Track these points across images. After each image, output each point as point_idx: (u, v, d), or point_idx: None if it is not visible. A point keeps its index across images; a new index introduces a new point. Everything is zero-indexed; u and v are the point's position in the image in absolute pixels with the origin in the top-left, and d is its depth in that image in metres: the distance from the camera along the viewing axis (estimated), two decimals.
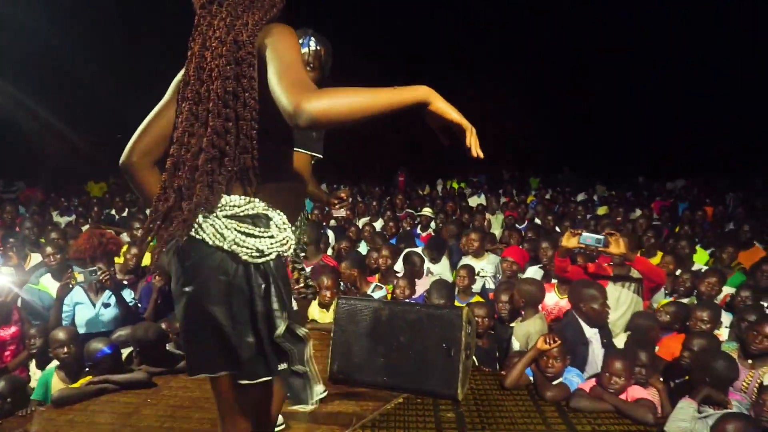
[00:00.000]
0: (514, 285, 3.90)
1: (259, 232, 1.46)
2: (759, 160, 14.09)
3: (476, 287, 4.77)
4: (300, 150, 2.28)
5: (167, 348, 3.47)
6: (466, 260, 5.03)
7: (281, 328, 1.44)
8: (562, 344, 3.06)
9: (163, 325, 3.59)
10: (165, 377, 3.29)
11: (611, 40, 15.62)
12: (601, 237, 3.60)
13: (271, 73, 1.34)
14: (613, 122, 16.41)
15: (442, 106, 1.33)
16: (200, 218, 1.44)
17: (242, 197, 1.48)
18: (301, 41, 2.31)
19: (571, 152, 16.02)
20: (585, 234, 3.65)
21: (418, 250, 5.21)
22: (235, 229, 1.44)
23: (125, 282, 4.33)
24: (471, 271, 4.52)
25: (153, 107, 1.62)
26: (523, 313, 3.68)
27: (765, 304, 4.16)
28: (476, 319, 3.56)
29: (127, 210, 8.27)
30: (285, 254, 1.54)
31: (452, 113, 1.33)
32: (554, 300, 4.00)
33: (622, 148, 16.26)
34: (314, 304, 4.22)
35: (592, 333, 3.37)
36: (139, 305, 4.26)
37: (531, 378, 3.15)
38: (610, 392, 2.84)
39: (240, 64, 1.43)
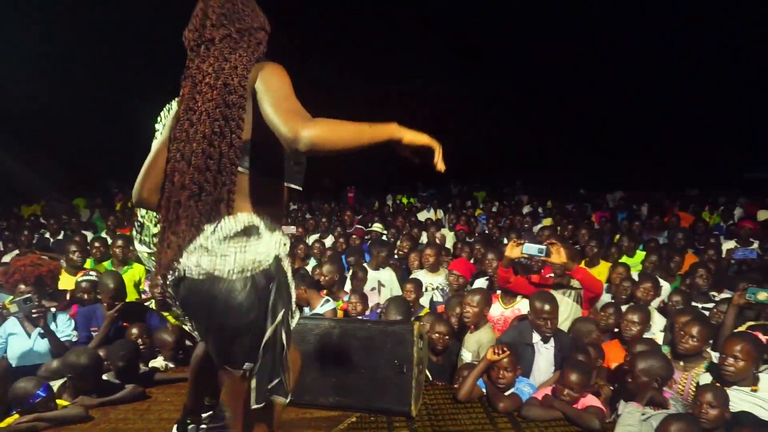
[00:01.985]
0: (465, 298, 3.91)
1: (255, 240, 1.55)
2: (694, 171, 14.99)
3: (424, 300, 4.80)
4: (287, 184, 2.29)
5: (104, 377, 3.28)
6: (420, 274, 5.06)
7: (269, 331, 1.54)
8: (512, 354, 3.10)
9: (101, 353, 3.39)
10: (103, 409, 3.08)
11: (560, 57, 16.26)
12: (543, 247, 3.70)
13: (266, 106, 1.44)
14: (558, 135, 17.04)
15: (411, 137, 1.45)
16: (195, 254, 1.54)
17: (228, 218, 1.55)
18: None
19: (522, 165, 16.49)
20: (527, 244, 3.75)
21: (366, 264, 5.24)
22: (235, 250, 1.53)
23: (53, 309, 4.06)
24: (418, 285, 4.55)
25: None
26: (472, 326, 3.71)
27: (699, 306, 4.41)
28: (436, 334, 3.57)
29: (62, 233, 7.84)
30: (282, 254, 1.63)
31: (422, 139, 1.45)
32: (499, 311, 4.06)
33: (563, 161, 16.89)
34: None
35: (538, 338, 3.44)
36: (76, 334, 4.01)
37: (484, 390, 3.17)
38: (562, 401, 2.89)
39: (230, 107, 1.51)
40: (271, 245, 1.58)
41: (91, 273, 4.39)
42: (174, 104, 2.12)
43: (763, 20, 14.13)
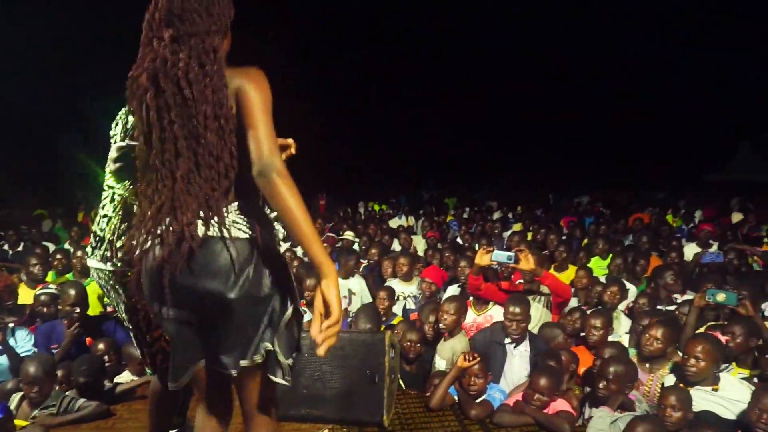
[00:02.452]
0: (438, 305, 3.92)
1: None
2: (654, 173, 15.43)
3: (397, 309, 4.79)
4: None
5: (67, 395, 3.17)
6: (393, 283, 5.05)
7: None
8: (482, 361, 3.12)
9: (60, 372, 3.28)
10: (64, 428, 2.98)
11: (526, 64, 16.56)
12: (511, 254, 3.75)
13: (249, 121, 1.51)
14: (525, 139, 17.34)
15: (331, 290, 1.47)
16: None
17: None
18: None
19: (490, 169, 16.72)
20: (496, 252, 3.80)
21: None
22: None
23: (11, 324, 3.91)
24: (391, 293, 4.54)
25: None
26: (447, 333, 3.72)
27: (663, 308, 4.52)
28: (407, 343, 3.56)
29: (22, 244, 7.57)
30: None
31: (334, 300, 1.46)
32: (472, 317, 4.08)
33: (529, 164, 17.18)
34: None
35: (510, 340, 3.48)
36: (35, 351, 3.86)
37: (456, 397, 3.18)
38: (533, 407, 2.92)
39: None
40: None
41: (51, 286, 4.25)
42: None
43: (722, 26, 14.71)
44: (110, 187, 2.19)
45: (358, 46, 15.54)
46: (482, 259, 3.83)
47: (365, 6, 15.25)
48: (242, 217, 1.60)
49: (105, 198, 2.20)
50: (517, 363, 3.45)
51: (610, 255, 5.98)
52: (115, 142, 2.16)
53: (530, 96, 17.14)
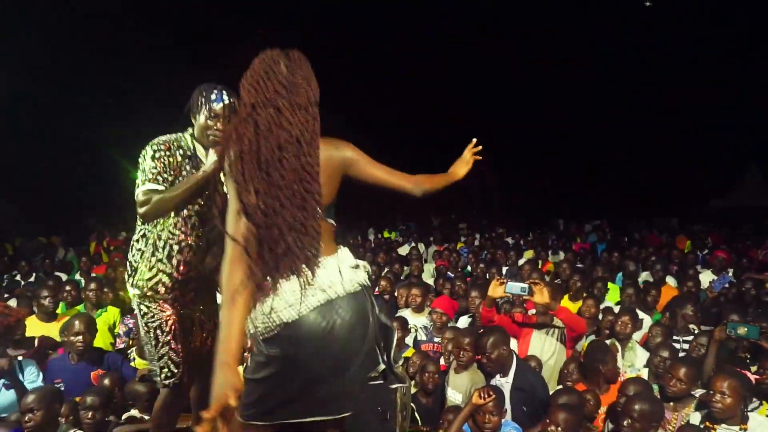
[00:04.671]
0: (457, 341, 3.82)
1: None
2: (662, 199, 15.27)
3: (408, 340, 4.70)
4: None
5: None
6: (406, 313, 4.97)
7: None
8: (498, 398, 3.04)
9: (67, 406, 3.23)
10: None
11: (533, 91, 16.62)
12: (525, 286, 3.67)
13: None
14: (534, 165, 17.27)
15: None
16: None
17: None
18: (213, 97, 2.46)
19: (501, 195, 16.64)
20: (510, 283, 3.71)
21: None
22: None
23: (20, 357, 3.86)
24: (404, 324, 4.46)
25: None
26: (457, 365, 3.63)
27: (679, 340, 4.40)
28: (427, 375, 3.50)
29: (34, 275, 7.59)
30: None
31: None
32: None
33: (539, 190, 17.10)
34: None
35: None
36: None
37: None
38: None
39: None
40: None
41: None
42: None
43: (732, 52, 14.72)
44: (142, 224, 2.52)
45: (374, 73, 15.71)
46: (495, 290, 3.75)
47: (371, 33, 15.44)
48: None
49: (138, 233, 2.53)
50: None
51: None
52: (138, 186, 2.40)
53: (535, 123, 17.19)
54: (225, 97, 2.46)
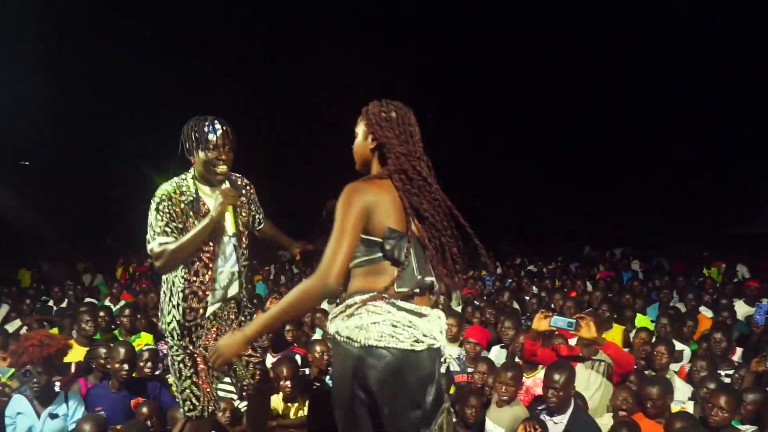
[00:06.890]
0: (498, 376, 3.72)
1: None
2: (678, 226, 15.04)
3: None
4: None
5: None
6: None
7: None
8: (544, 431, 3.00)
9: None
10: None
11: (547, 112, 16.63)
12: (572, 320, 3.62)
13: None
14: (551, 190, 17.19)
15: None
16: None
17: None
18: (206, 129, 2.47)
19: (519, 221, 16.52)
20: (556, 317, 3.66)
21: None
22: None
23: (57, 383, 3.89)
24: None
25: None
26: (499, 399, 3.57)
27: (722, 373, 4.30)
28: (470, 410, 3.45)
29: (66, 300, 7.68)
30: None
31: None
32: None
33: (559, 219, 16.99)
34: (277, 398, 3.98)
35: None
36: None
37: None
38: None
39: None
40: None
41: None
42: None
43: (745, 74, 14.68)
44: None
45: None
46: (540, 324, 3.69)
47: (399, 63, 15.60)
48: None
49: (165, 282, 2.65)
50: None
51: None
52: (149, 242, 2.49)
53: (557, 146, 17.17)
54: (218, 126, 2.49)
